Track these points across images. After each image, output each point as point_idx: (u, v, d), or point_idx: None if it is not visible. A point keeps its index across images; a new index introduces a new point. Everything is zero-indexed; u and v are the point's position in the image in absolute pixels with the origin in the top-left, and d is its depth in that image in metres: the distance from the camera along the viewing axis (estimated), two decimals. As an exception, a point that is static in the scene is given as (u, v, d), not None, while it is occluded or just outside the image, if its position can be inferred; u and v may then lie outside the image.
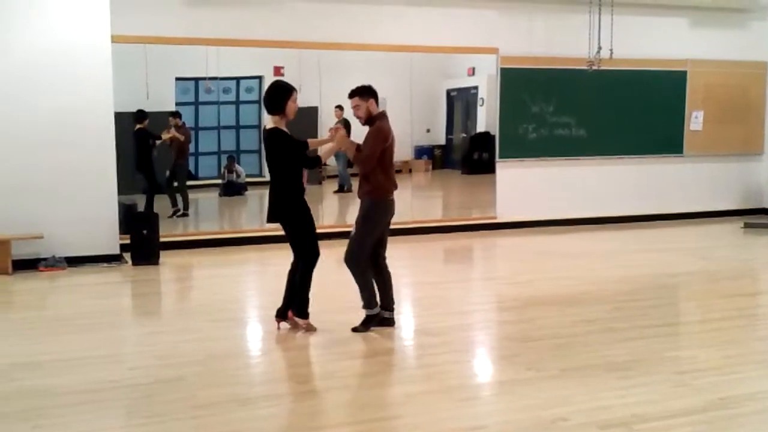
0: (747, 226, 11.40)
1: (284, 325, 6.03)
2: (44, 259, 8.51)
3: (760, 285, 8.38)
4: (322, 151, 6.16)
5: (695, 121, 12.30)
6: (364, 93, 5.83)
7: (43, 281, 8.12)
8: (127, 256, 8.88)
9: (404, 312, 6.54)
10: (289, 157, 5.76)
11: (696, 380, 4.83)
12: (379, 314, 5.93)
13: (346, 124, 12.49)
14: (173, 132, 11.86)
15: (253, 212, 14.09)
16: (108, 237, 8.86)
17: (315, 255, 5.87)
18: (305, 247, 5.86)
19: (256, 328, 6.54)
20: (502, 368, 5.30)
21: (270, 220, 5.91)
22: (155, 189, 11.72)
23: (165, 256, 8.95)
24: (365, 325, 5.91)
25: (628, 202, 11.99)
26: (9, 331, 6.27)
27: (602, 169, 11.85)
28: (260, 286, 8.32)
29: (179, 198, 11.97)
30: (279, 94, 5.81)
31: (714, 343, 5.72)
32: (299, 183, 5.85)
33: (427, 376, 5.04)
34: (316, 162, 6.11)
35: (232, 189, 13.90)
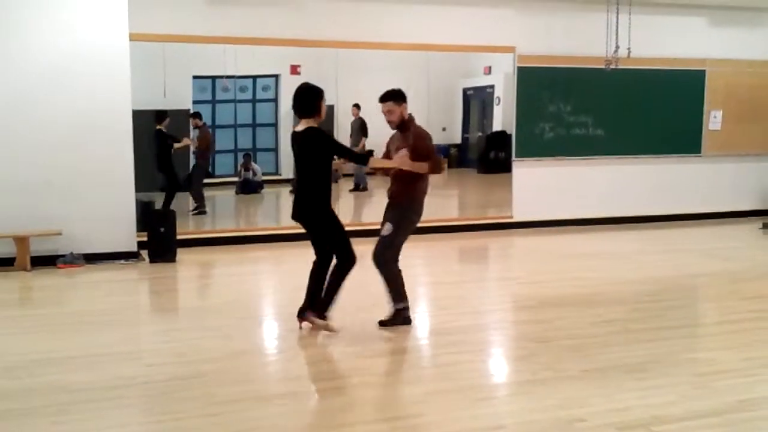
0: (766, 226, 11.31)
1: (306, 324, 6.00)
2: (62, 256, 8.56)
3: (780, 286, 8.29)
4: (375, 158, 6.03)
5: (714, 120, 12.22)
6: (398, 98, 5.82)
7: (60, 278, 8.16)
8: (145, 253, 8.92)
9: (421, 311, 6.53)
10: (330, 153, 5.69)
11: (715, 382, 4.79)
12: (407, 308, 5.96)
13: (362, 123, 12.50)
14: (185, 141, 11.92)
15: (269, 210, 14.13)
16: (125, 234, 8.90)
17: (350, 259, 5.77)
18: (338, 251, 5.78)
19: (273, 326, 6.56)
20: (519, 368, 5.28)
21: (294, 218, 5.84)
22: (176, 188, 11.83)
23: (182, 254, 8.99)
24: (395, 319, 5.93)
25: (645, 202, 11.92)
26: (27, 328, 6.30)
27: (620, 169, 11.79)
28: (276, 284, 8.34)
29: (192, 196, 12.08)
30: (313, 96, 5.72)
31: (733, 345, 5.67)
32: (328, 187, 5.75)
33: (445, 376, 5.03)
34: (364, 158, 5.98)
35: (249, 187, 13.93)
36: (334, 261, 5.87)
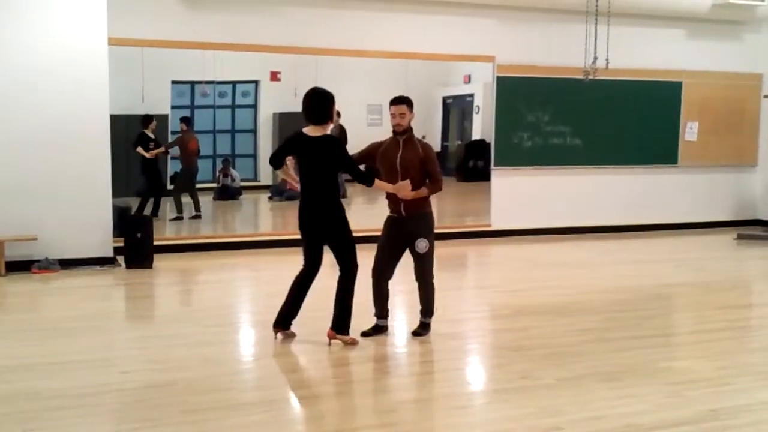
0: (740, 237, 11.43)
1: (281, 335, 5.88)
2: (37, 261, 8.47)
3: (753, 297, 8.40)
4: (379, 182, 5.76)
5: (690, 131, 12.34)
6: (411, 104, 5.85)
7: (35, 283, 8.08)
8: (121, 259, 8.85)
9: (398, 319, 6.52)
10: (340, 165, 5.63)
11: (689, 391, 4.83)
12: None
13: (342, 130, 12.54)
14: (152, 153, 11.85)
15: (247, 217, 14.08)
16: (102, 240, 8.83)
17: (355, 267, 5.72)
18: (350, 259, 5.68)
19: (249, 333, 6.53)
20: (495, 377, 5.29)
21: (310, 231, 5.71)
22: (161, 192, 11.85)
23: (158, 260, 8.92)
24: (426, 329, 6.05)
25: (622, 211, 12.00)
26: (0, 333, 6.23)
27: (597, 179, 11.87)
28: (253, 291, 8.30)
29: (185, 201, 12.11)
30: (325, 102, 5.60)
31: (707, 354, 5.73)
32: (338, 193, 5.71)
33: (421, 384, 5.04)
34: (370, 180, 5.69)
35: (227, 193, 13.87)
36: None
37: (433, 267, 6.00)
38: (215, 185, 14.04)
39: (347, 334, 5.73)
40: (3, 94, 8.37)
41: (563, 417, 4.36)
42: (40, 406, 4.50)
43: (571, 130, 11.65)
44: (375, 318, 6.04)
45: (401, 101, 5.84)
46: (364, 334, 5.94)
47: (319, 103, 5.61)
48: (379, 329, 6.02)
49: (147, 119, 11.63)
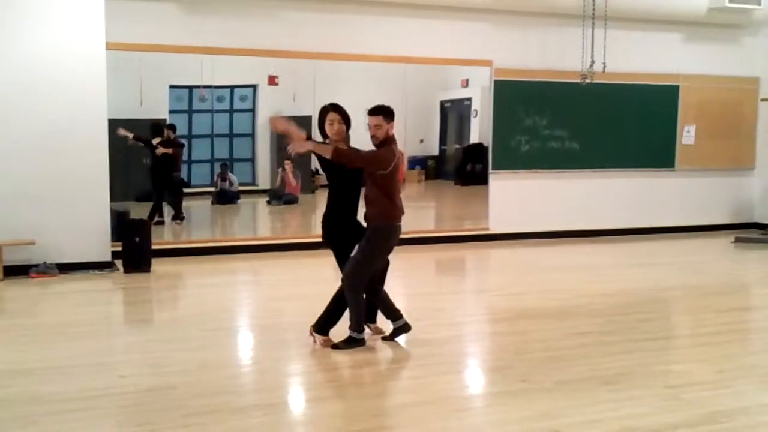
0: (738, 240, 11.45)
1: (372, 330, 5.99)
2: (35, 266, 8.47)
3: (752, 299, 8.41)
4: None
5: (687, 135, 12.37)
6: (388, 114, 5.70)
7: (33, 288, 8.08)
8: (119, 263, 8.85)
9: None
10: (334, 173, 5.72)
11: (687, 394, 4.84)
12: (362, 341, 5.79)
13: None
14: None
15: (245, 221, 14.09)
16: (100, 244, 8.83)
17: (348, 278, 5.70)
18: (345, 269, 5.73)
19: (248, 337, 6.53)
20: (494, 380, 5.29)
21: (323, 238, 5.84)
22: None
23: (156, 264, 8.93)
24: (347, 344, 5.73)
25: (620, 215, 12.03)
26: (-1, 338, 6.23)
27: (594, 182, 11.89)
28: (252, 296, 8.31)
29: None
30: (319, 116, 5.79)
31: (705, 357, 5.74)
32: (350, 203, 5.73)
33: (420, 387, 5.04)
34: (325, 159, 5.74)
35: (225, 197, 13.89)
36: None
37: (353, 274, 5.63)
38: (213, 189, 14.06)
39: (323, 334, 5.79)
40: (1, 98, 8.37)
41: (562, 420, 4.37)
42: (40, 411, 4.49)
43: (569, 133, 11.67)
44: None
45: (376, 112, 5.69)
46: (385, 339, 5.95)
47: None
48: (397, 332, 5.93)
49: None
